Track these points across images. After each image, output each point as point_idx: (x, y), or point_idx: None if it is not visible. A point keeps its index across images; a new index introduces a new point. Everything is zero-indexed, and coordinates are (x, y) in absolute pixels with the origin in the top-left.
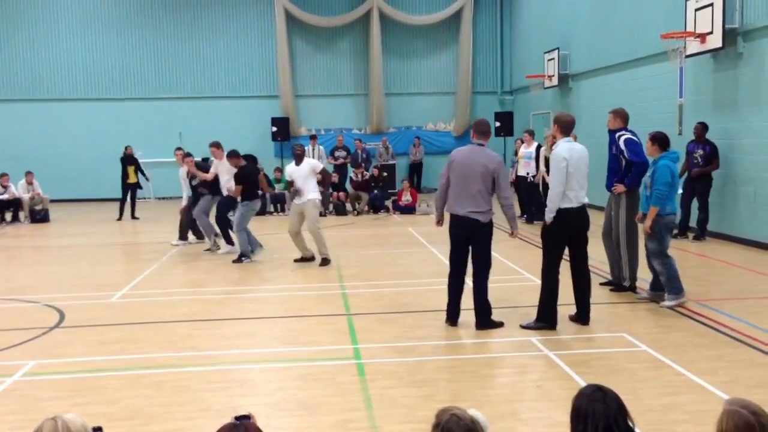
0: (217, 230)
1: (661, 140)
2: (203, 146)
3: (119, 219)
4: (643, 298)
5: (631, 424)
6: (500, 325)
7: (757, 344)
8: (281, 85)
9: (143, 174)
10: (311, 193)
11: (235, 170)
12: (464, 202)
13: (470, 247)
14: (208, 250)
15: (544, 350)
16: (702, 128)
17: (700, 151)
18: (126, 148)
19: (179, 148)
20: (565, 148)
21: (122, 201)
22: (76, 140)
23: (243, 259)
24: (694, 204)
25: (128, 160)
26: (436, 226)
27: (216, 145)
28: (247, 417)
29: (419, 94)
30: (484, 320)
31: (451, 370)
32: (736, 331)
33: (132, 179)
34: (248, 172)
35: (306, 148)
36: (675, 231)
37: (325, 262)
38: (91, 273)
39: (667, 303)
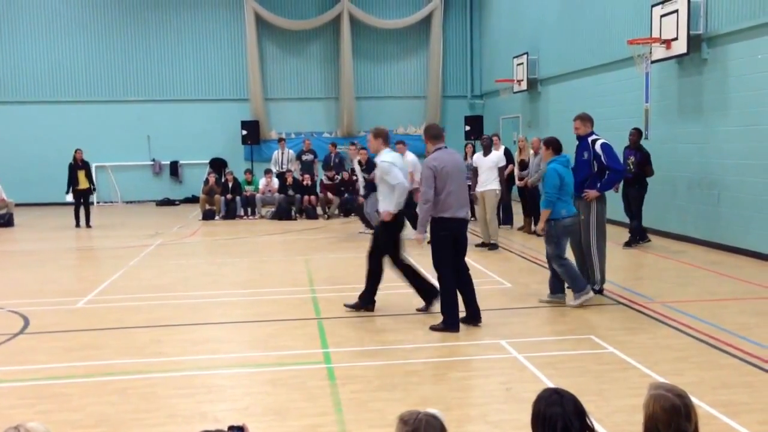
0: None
1: (554, 145)
2: (172, 149)
3: (77, 226)
4: (544, 302)
5: (590, 423)
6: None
7: (721, 345)
8: (251, 88)
9: (92, 181)
10: (492, 183)
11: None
12: (464, 205)
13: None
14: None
15: (512, 352)
16: (637, 134)
17: (632, 158)
18: (76, 151)
19: (353, 143)
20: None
21: (76, 207)
22: (41, 144)
23: None
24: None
25: (78, 164)
26: (425, 244)
27: (401, 143)
28: (240, 428)
29: (390, 98)
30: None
31: (421, 374)
32: (701, 332)
33: (83, 185)
34: None
35: (275, 152)
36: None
37: (493, 247)
38: (57, 278)
39: (573, 302)
